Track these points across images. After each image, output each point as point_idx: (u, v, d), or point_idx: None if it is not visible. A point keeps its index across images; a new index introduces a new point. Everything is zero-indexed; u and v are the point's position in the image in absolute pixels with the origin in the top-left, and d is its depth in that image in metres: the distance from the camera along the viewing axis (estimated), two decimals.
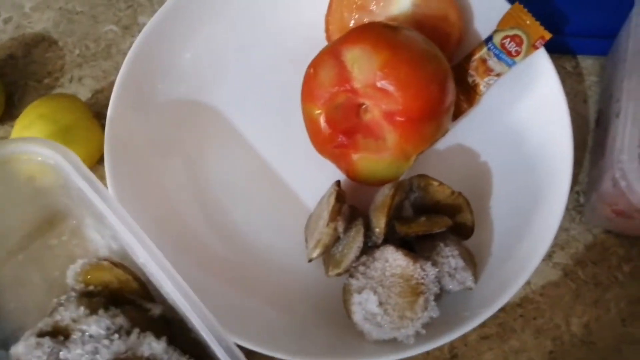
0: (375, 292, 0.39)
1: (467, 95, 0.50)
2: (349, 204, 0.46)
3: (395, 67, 0.40)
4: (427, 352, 0.45)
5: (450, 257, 0.40)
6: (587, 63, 0.54)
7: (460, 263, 0.40)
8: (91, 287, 0.42)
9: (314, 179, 0.47)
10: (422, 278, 0.39)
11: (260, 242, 0.47)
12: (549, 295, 0.47)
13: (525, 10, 0.47)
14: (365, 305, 0.39)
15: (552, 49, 0.55)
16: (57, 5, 0.56)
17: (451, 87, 0.43)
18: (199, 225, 0.46)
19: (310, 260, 0.42)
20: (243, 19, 0.51)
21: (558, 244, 0.49)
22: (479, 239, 0.46)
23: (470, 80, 0.49)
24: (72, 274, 0.42)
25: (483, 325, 0.46)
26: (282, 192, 0.49)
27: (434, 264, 0.40)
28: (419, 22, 0.49)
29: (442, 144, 0.51)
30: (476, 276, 0.42)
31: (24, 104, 0.50)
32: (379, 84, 0.41)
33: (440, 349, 0.46)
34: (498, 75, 0.49)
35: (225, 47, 0.50)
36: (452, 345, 0.46)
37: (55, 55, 0.55)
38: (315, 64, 0.43)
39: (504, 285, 0.41)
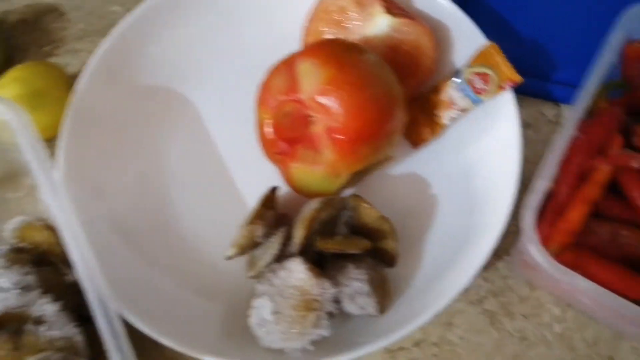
0: (272, 300, 0.40)
1: (431, 125, 0.50)
2: (283, 211, 0.47)
3: (338, 85, 0.41)
4: None
5: (356, 280, 0.41)
6: None
7: (365, 288, 0.40)
8: (23, 244, 0.44)
9: (263, 180, 0.48)
10: (319, 295, 0.39)
11: (196, 231, 0.49)
12: (469, 340, 0.47)
13: (500, 50, 0.47)
14: (260, 310, 0.40)
15: (537, 93, 0.54)
16: None
17: (397, 114, 0.44)
18: (138, 204, 0.48)
19: (227, 258, 0.43)
20: (222, 22, 0.52)
21: (492, 291, 0.48)
22: (406, 269, 0.46)
23: (434, 111, 0.49)
24: (9, 228, 0.45)
25: (393, 357, 0.46)
26: (228, 189, 0.50)
27: (337, 284, 0.41)
28: (393, 47, 0.49)
29: (399, 169, 0.51)
30: (383, 305, 0.42)
31: None
32: (320, 99, 0.42)
33: None
34: (463, 110, 0.48)
35: (201, 47, 0.52)
36: None
37: (60, 27, 0.59)
38: (271, 72, 0.45)
39: (409, 319, 0.41)
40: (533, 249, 0.36)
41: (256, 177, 0.49)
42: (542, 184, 0.38)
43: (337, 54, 0.42)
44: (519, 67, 0.53)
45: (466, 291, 0.48)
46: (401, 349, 0.47)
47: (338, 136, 0.42)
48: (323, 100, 0.41)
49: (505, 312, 0.47)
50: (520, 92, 0.54)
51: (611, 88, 0.45)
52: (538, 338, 0.46)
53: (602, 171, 0.39)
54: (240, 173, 0.51)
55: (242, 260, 0.45)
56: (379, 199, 0.49)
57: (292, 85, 0.43)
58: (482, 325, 0.47)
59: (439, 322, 0.47)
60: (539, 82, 0.54)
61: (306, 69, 0.42)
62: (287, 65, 0.43)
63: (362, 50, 0.43)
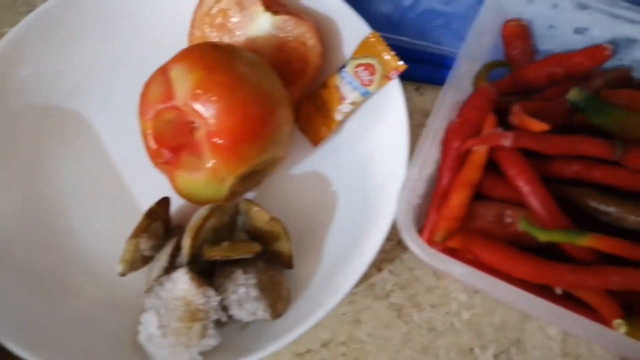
0: (157, 314, 0.39)
1: (326, 121, 0.49)
2: (179, 222, 0.46)
3: (208, 88, 0.40)
4: None
5: (242, 286, 0.40)
6: None
7: (252, 293, 0.39)
8: None
9: (162, 192, 0.47)
10: (203, 304, 0.38)
11: (97, 250, 0.47)
12: (377, 336, 0.46)
13: (381, 39, 0.46)
14: (148, 325, 0.39)
15: (437, 81, 0.54)
16: None
17: (278, 113, 0.43)
18: (30, 228, 0.47)
19: (119, 275, 0.42)
20: (106, 38, 0.51)
21: (399, 284, 0.47)
22: (307, 268, 0.45)
23: (327, 106, 0.48)
24: None
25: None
26: (128, 203, 0.49)
27: (224, 291, 0.40)
28: (279, 45, 0.48)
29: (301, 168, 0.50)
30: (276, 308, 0.41)
31: None
32: (193, 104, 0.41)
33: None
34: (354, 104, 0.48)
35: (89, 63, 0.51)
36: None
37: None
38: (148, 81, 0.44)
39: (302, 320, 0.40)
40: (407, 238, 0.36)
41: (155, 188, 0.47)
42: (412, 172, 0.37)
43: (207, 56, 0.41)
44: (417, 56, 0.52)
45: (372, 286, 0.48)
46: (309, 351, 0.46)
47: (216, 140, 0.41)
48: (196, 104, 0.41)
49: (412, 304, 0.47)
50: (422, 80, 0.54)
51: (493, 68, 0.45)
52: (446, 327, 0.46)
53: (478, 153, 0.38)
54: (139, 186, 0.50)
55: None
56: (281, 200, 0.49)
57: (168, 93, 0.42)
58: (390, 319, 0.46)
59: (346, 320, 0.46)
60: (437, 70, 0.53)
61: (178, 74, 0.41)
62: (162, 73, 0.43)
63: (235, 51, 0.43)
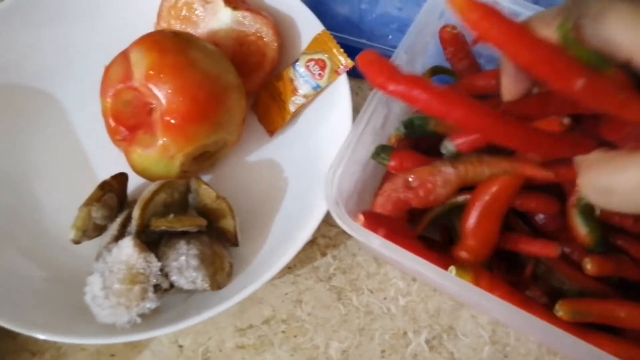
0: (102, 275, 0.41)
1: (281, 112, 0.52)
2: (136, 199, 0.49)
3: (160, 69, 0.43)
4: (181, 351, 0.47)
5: (184, 255, 0.42)
6: None
7: (193, 262, 0.42)
8: None
9: (127, 168, 0.49)
10: (143, 269, 0.41)
11: (57, 220, 0.49)
12: (316, 316, 0.48)
13: (331, 36, 0.49)
14: (93, 287, 0.41)
15: None
16: None
17: (227, 99, 0.46)
18: None
19: (73, 242, 0.45)
20: (76, 22, 0.54)
21: (341, 268, 0.50)
22: (254, 247, 0.47)
23: (282, 98, 0.51)
24: None
25: (243, 334, 0.47)
26: (93, 179, 0.51)
27: (167, 258, 0.42)
28: (238, 39, 0.51)
29: (257, 156, 0.53)
30: (216, 280, 0.43)
31: None
32: (148, 84, 0.44)
33: (193, 351, 0.47)
34: (305, 96, 0.50)
35: (58, 47, 0.54)
36: (206, 348, 0.47)
37: None
38: (110, 63, 0.47)
39: (238, 292, 0.42)
40: (332, 211, 0.38)
41: (119, 166, 0.50)
42: (340, 153, 0.40)
43: (162, 41, 0.44)
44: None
45: (316, 269, 0.50)
46: (250, 326, 0.48)
47: (167, 118, 0.44)
48: (150, 84, 0.43)
49: (352, 288, 0.49)
50: None
51: (436, 74, 0.48)
52: (383, 311, 0.48)
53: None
54: (103, 163, 0.52)
55: None
56: (236, 183, 0.51)
57: (127, 74, 0.45)
58: (330, 301, 0.48)
59: (288, 300, 0.49)
60: None
61: (136, 57, 0.44)
62: (123, 56, 0.46)
63: (190, 38, 0.46)
